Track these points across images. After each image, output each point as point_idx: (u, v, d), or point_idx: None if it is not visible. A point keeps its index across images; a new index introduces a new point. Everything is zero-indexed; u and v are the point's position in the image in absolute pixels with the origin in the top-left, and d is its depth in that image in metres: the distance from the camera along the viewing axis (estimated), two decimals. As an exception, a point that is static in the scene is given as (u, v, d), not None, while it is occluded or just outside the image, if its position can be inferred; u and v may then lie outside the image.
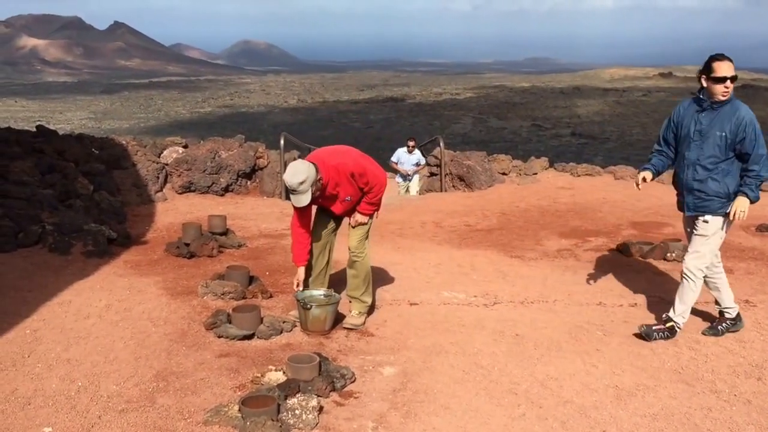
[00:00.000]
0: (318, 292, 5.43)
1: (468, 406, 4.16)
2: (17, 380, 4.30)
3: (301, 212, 5.27)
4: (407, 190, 14.29)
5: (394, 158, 14.71)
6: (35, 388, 4.20)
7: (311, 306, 5.13)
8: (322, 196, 5.17)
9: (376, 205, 5.39)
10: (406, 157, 14.38)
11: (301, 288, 5.38)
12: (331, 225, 5.50)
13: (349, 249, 5.43)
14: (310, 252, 5.44)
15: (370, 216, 5.40)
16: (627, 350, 5.03)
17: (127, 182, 9.55)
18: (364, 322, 5.43)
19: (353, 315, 5.42)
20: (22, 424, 3.81)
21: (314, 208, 5.46)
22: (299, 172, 4.87)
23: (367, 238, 5.45)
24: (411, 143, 14.45)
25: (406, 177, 14.33)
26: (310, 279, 5.54)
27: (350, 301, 5.51)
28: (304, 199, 4.93)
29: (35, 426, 3.79)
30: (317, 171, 4.96)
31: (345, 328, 5.33)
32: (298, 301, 5.23)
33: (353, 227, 5.39)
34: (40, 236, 6.99)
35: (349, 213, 5.40)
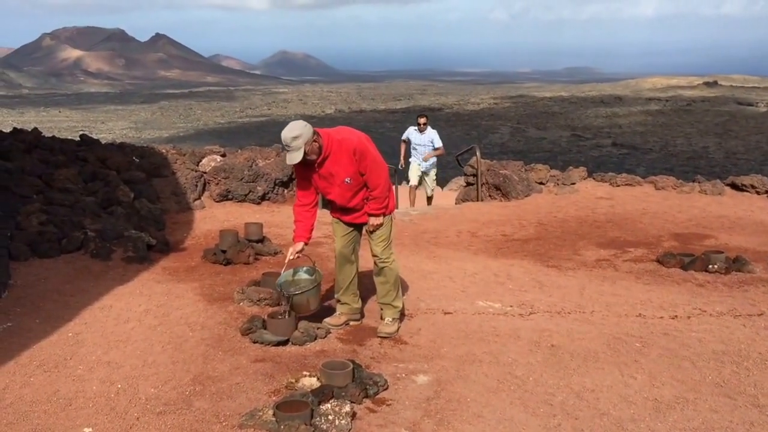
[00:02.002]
0: (302, 270, 5.51)
1: (502, 416, 4.13)
2: (59, 381, 4.39)
3: (304, 192, 5.29)
4: (420, 183, 12.77)
5: (403, 136, 12.86)
6: (76, 390, 4.28)
7: (290, 296, 5.24)
8: (320, 170, 5.11)
9: (384, 201, 5.25)
10: (417, 138, 12.54)
11: (294, 256, 5.31)
12: (352, 234, 5.45)
13: (375, 257, 5.39)
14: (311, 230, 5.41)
15: (383, 216, 5.30)
16: (666, 362, 4.95)
17: (166, 190, 9.69)
18: (398, 329, 5.43)
19: (387, 323, 5.42)
20: (64, 424, 3.89)
21: (317, 203, 5.43)
22: (295, 128, 4.94)
23: (390, 242, 5.40)
24: (422, 120, 12.55)
25: (410, 165, 12.58)
26: (340, 291, 5.55)
27: (381, 309, 5.51)
28: (295, 157, 4.95)
29: (76, 426, 3.87)
30: (314, 133, 4.98)
31: (379, 336, 5.33)
32: (279, 290, 5.32)
33: (371, 232, 5.33)
34: (82, 242, 7.14)
35: (351, 203, 5.24)
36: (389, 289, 5.42)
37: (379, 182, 5.17)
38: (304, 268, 5.56)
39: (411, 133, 12.67)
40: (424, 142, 12.56)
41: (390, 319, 5.43)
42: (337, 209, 5.37)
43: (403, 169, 13.17)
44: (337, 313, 5.55)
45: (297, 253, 5.31)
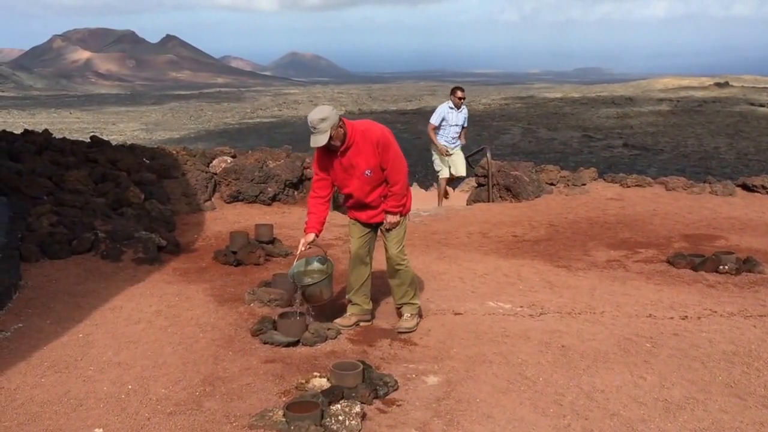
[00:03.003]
0: (314, 260, 5.51)
1: (512, 416, 4.12)
2: (70, 382, 4.41)
3: (320, 184, 5.29)
4: (450, 171, 11.25)
5: (435, 119, 11.03)
6: (87, 390, 4.31)
7: (302, 286, 5.26)
8: (342, 159, 5.10)
9: (402, 199, 5.25)
10: (453, 116, 10.99)
11: (306, 247, 5.31)
12: (368, 235, 5.45)
13: (390, 258, 5.40)
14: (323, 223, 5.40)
15: (401, 215, 5.30)
16: (677, 363, 4.93)
17: (177, 191, 9.73)
18: (417, 324, 5.45)
19: (406, 318, 5.46)
20: (75, 424, 3.91)
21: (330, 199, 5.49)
22: (322, 111, 4.96)
23: (404, 244, 5.41)
24: (460, 94, 10.95)
25: (446, 152, 11.10)
26: (351, 292, 5.56)
27: (399, 308, 5.54)
28: (321, 139, 4.95)
29: (87, 426, 3.89)
30: (341, 119, 5.00)
31: (398, 332, 5.36)
32: (291, 281, 5.32)
33: (387, 230, 5.33)
34: (93, 243, 7.18)
35: (368, 197, 5.22)
36: (406, 290, 5.45)
37: (400, 178, 5.18)
38: (317, 258, 5.57)
39: (446, 111, 11.02)
40: (459, 122, 11.11)
41: (408, 315, 5.46)
42: (354, 206, 5.37)
43: (448, 156, 11.24)
44: (348, 313, 5.56)
45: (309, 244, 5.31)
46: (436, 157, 11.46)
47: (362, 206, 5.32)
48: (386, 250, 5.41)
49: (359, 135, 5.06)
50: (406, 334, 5.34)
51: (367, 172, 5.11)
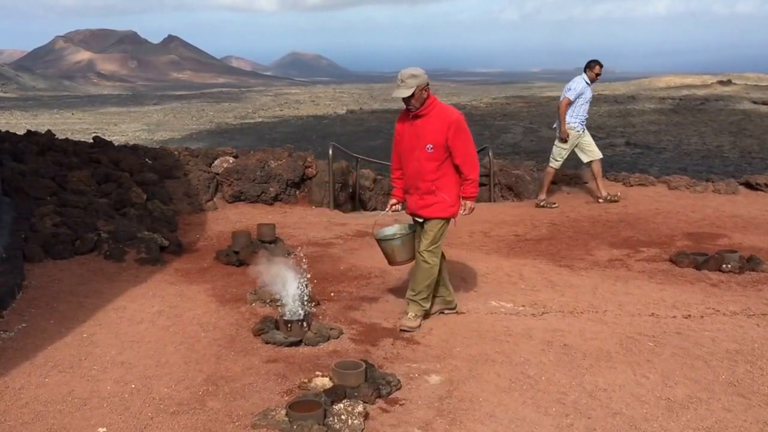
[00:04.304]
0: (404, 226, 5.77)
1: (514, 415, 4.13)
2: (74, 382, 4.42)
3: (398, 155, 5.51)
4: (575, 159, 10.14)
5: (572, 93, 9.79)
6: (91, 390, 4.32)
7: (378, 240, 5.66)
8: (414, 123, 5.26)
9: (477, 187, 5.44)
10: (589, 92, 9.93)
11: (393, 209, 5.71)
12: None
13: (420, 252, 5.48)
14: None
15: (445, 218, 5.45)
16: (679, 362, 4.93)
17: (179, 191, 9.74)
18: (420, 326, 5.46)
19: (409, 317, 5.48)
20: (78, 424, 3.92)
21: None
22: (415, 70, 5.16)
23: (438, 246, 5.49)
24: (598, 69, 9.94)
25: (567, 136, 9.92)
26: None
27: (407, 303, 5.56)
28: (403, 92, 5.11)
29: (90, 426, 3.90)
30: (428, 86, 5.18)
31: (401, 330, 5.38)
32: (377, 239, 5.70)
33: (464, 214, 5.47)
34: (95, 244, 7.19)
35: (422, 176, 5.32)
36: (422, 289, 5.49)
37: (474, 168, 5.35)
38: (405, 225, 5.79)
39: (582, 85, 9.93)
40: (592, 98, 10.05)
41: (413, 315, 5.48)
42: (406, 185, 5.51)
43: (563, 141, 10.07)
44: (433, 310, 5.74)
45: (392, 205, 5.67)
46: (561, 145, 10.18)
47: (413, 186, 5.43)
48: (421, 242, 5.52)
49: (437, 109, 5.25)
50: (408, 334, 5.35)
51: (429, 146, 5.24)
